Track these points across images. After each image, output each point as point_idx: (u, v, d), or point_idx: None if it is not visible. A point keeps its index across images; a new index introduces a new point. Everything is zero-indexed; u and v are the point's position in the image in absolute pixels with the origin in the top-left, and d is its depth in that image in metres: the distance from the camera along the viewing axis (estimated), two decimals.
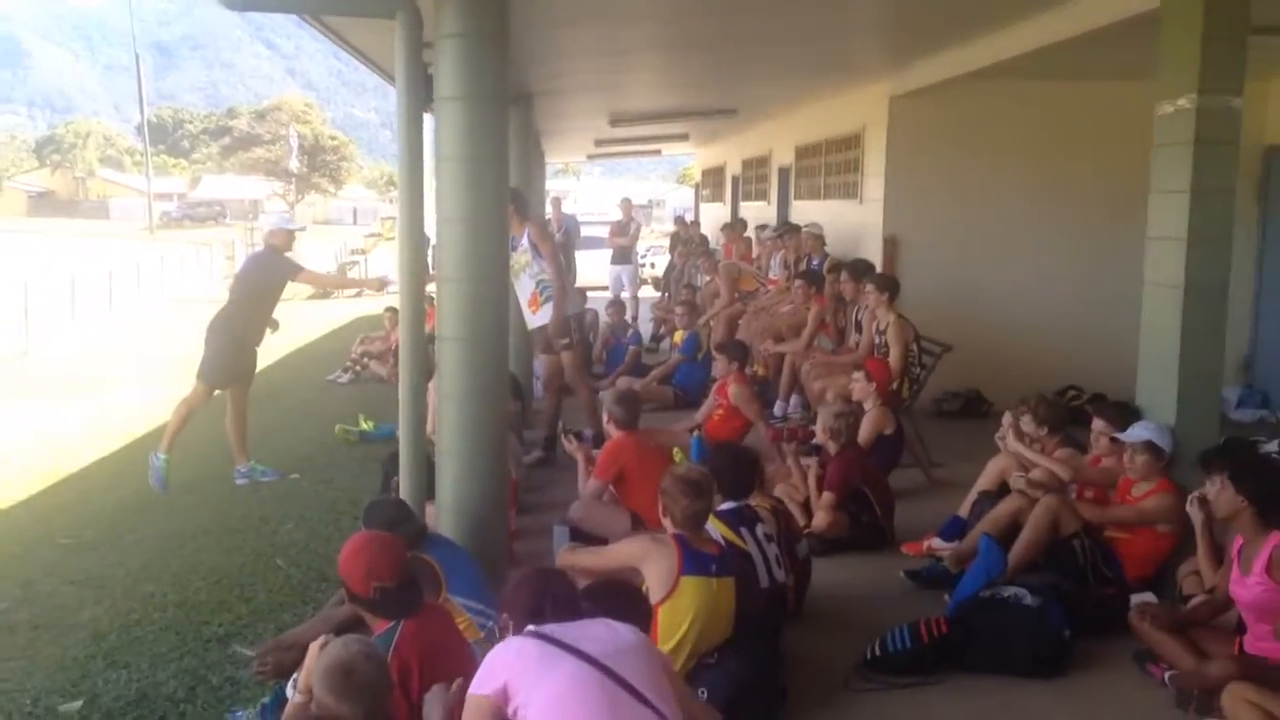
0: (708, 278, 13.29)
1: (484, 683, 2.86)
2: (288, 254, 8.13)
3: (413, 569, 3.65)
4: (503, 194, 5.02)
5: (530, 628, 2.93)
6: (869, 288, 8.21)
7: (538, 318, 7.67)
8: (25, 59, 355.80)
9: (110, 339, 17.79)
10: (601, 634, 2.94)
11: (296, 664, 3.44)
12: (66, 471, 8.51)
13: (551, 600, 3.03)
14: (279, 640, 4.16)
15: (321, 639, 3.05)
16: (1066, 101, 9.59)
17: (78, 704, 4.38)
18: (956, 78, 8.56)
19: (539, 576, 3.20)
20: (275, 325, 8.23)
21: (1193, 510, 4.69)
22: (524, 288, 7.54)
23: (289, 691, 3.05)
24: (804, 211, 13.04)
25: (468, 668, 3.40)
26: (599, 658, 2.81)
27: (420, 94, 4.96)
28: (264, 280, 7.98)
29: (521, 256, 7.48)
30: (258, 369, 8.09)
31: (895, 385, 7.52)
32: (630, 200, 17.89)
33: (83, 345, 16.80)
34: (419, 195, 5.04)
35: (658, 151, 22.93)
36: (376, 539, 3.67)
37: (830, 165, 12.24)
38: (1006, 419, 6.09)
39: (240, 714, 4.09)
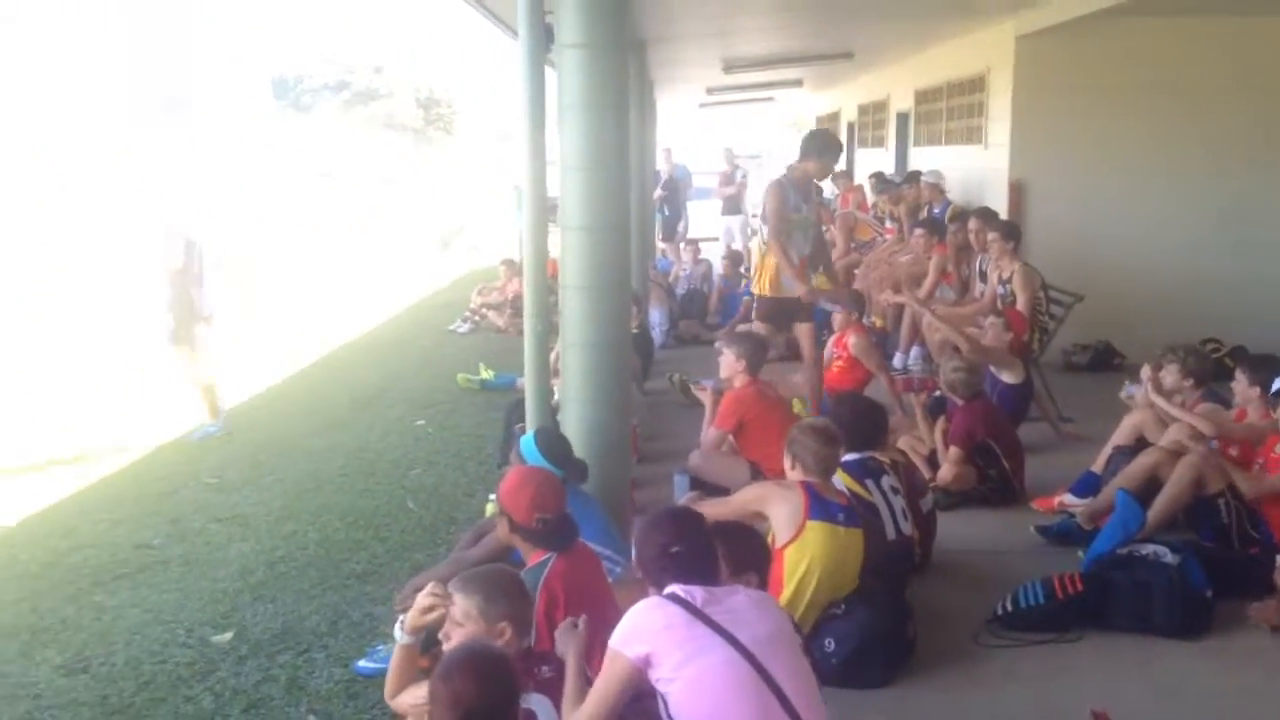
0: (824, 227, 13.09)
1: (628, 642, 2.85)
2: None
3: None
4: (623, 141, 5.00)
5: (678, 590, 2.90)
6: (992, 235, 7.99)
7: (796, 284, 6.88)
8: None
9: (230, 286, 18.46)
10: (746, 611, 2.90)
11: None
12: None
13: (686, 544, 3.04)
14: (415, 581, 4.29)
15: (430, 584, 3.11)
16: (1214, 39, 9.11)
17: (229, 635, 4.61)
18: (1089, 15, 8.19)
19: (672, 518, 3.20)
20: None
21: None
22: (796, 246, 6.81)
23: (396, 633, 3.12)
24: (923, 158, 12.73)
25: (607, 610, 3.48)
26: (749, 646, 2.79)
27: (542, 43, 4.98)
28: None
29: (809, 215, 6.92)
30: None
31: (1025, 336, 7.33)
32: (732, 149, 17.64)
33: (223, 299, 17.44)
34: (541, 145, 5.07)
35: (771, 99, 22.56)
36: (540, 473, 3.81)
37: (952, 109, 11.90)
38: (1146, 371, 5.87)
39: (380, 648, 4.24)
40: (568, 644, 3.04)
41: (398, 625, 3.10)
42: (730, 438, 5.95)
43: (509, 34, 8.36)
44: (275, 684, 4.16)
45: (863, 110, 17.32)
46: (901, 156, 14.36)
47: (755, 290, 7.25)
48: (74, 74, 39.32)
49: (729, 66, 13.04)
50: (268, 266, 18.83)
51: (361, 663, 4.24)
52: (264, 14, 58.73)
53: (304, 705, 4.00)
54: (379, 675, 4.07)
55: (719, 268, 12.59)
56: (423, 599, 3.05)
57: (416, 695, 2.98)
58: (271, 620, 4.74)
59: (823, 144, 6.84)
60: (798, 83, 17.79)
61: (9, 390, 9.87)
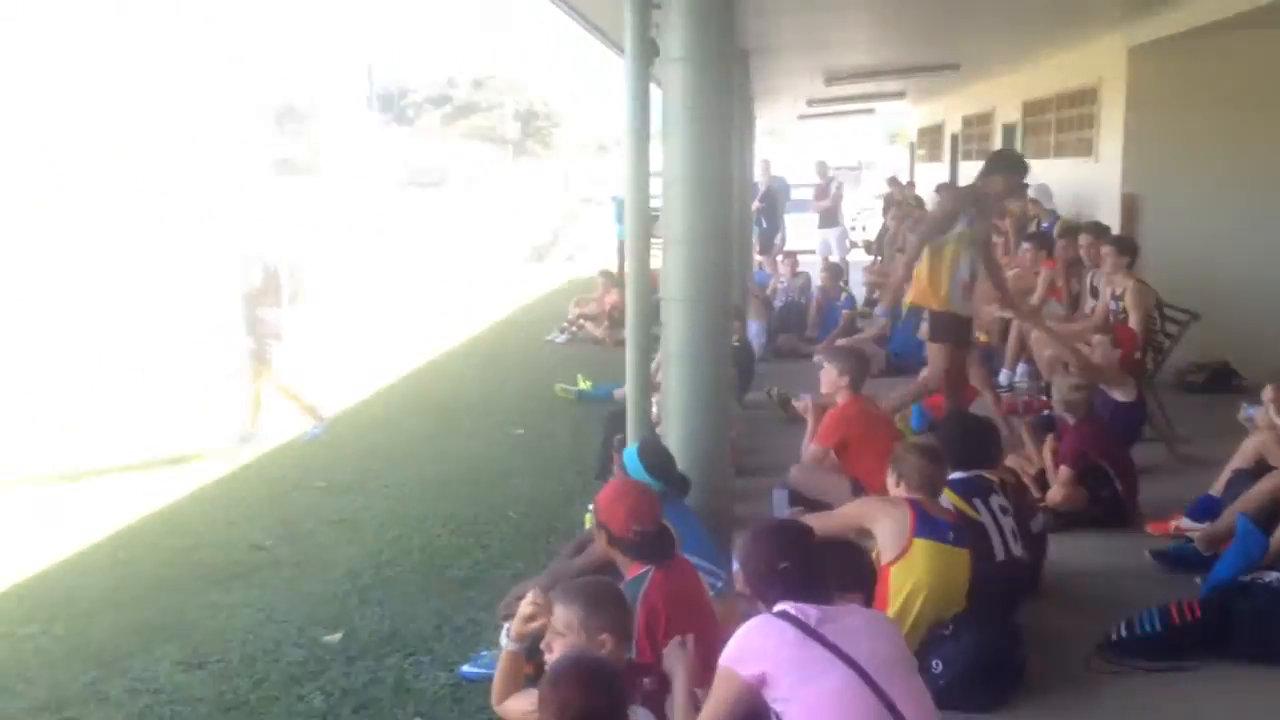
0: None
1: (741, 662, 2.81)
2: None
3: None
4: (726, 154, 5.00)
5: (790, 608, 2.85)
6: (1105, 250, 7.78)
7: (968, 303, 6.76)
8: None
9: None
10: (862, 631, 2.85)
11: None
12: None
13: (796, 559, 3.01)
14: (517, 590, 4.34)
15: (531, 593, 3.14)
16: None
17: (338, 635, 4.72)
18: (1203, 27, 7.94)
19: (780, 533, 3.17)
20: None
21: None
22: (964, 265, 6.60)
23: (503, 640, 3.16)
24: (1031, 171, 12.45)
25: (709, 624, 3.47)
26: (867, 668, 2.74)
27: (647, 57, 5.02)
28: None
29: (974, 232, 6.65)
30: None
31: (1138, 354, 7.12)
32: (825, 163, 17.47)
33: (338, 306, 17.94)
34: (644, 158, 5.11)
35: (871, 110, 22.34)
36: (637, 485, 3.83)
37: (1061, 122, 11.64)
38: (1268, 392, 5.65)
39: (484, 654, 4.30)
40: (675, 663, 3.01)
41: (504, 632, 3.14)
42: (831, 453, 5.88)
43: (614, 49, 8.46)
44: (383, 686, 4.25)
45: (967, 122, 17.05)
46: None
47: (919, 303, 7.04)
48: (74, 73, 40.24)
49: (831, 78, 12.95)
50: (369, 274, 19.33)
51: (466, 667, 4.30)
52: (368, 26, 60.18)
53: (410, 708, 4.07)
54: (483, 680, 4.13)
55: (817, 280, 12.48)
56: (525, 607, 3.09)
57: (523, 702, 3.02)
58: (379, 623, 4.85)
59: (1010, 161, 6.79)
60: (900, 94, 17.61)
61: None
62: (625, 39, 5.03)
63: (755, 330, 10.73)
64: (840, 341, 9.47)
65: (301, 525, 6.31)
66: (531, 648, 3.18)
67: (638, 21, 4.92)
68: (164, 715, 4.12)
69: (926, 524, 3.94)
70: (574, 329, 13.31)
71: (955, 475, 4.58)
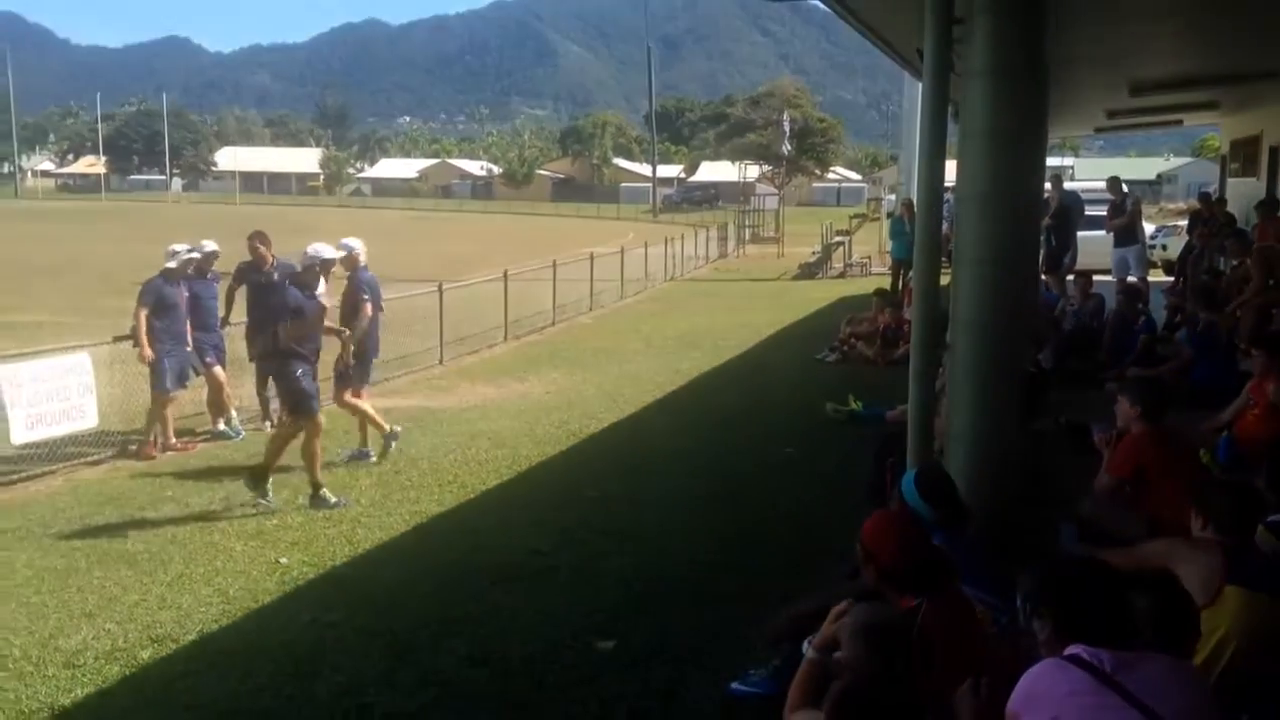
0: (1235, 261, 11.84)
1: (1029, 709, 2.69)
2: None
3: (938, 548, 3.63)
4: (1027, 170, 4.79)
5: (1082, 653, 2.69)
6: None
7: None
8: (553, 57, 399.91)
9: (621, 315, 19.52)
10: (1162, 680, 2.64)
11: (809, 630, 3.56)
12: (589, 432, 9.45)
13: (1091, 599, 2.81)
14: (792, 609, 4.30)
15: (844, 603, 3.11)
16: None
17: (611, 643, 4.85)
18: None
19: (1076, 569, 2.97)
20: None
21: None
22: None
23: (805, 649, 3.15)
24: None
25: (987, 659, 3.30)
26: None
27: (945, 72, 4.86)
28: None
29: None
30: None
31: None
32: (1119, 178, 16.29)
33: (600, 320, 18.59)
34: (939, 175, 4.95)
35: (1179, 122, 20.72)
36: (904, 515, 3.72)
37: None
38: None
39: (752, 674, 4.29)
40: (964, 708, 2.89)
41: (806, 643, 3.16)
42: (1126, 487, 5.47)
43: (903, 65, 8.29)
44: (653, 696, 4.33)
45: None
46: None
47: None
48: None
49: (1137, 89, 12.11)
50: (644, 288, 19.89)
51: (736, 684, 4.30)
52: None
53: None
54: (752, 698, 4.14)
55: (1113, 303, 11.69)
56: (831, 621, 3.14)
57: (811, 718, 2.99)
58: (650, 633, 4.94)
59: None
60: (1212, 105, 16.24)
61: None
62: (924, 54, 4.90)
63: (1043, 354, 10.19)
64: (1135, 371, 8.82)
65: (576, 533, 6.53)
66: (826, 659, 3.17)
67: (938, 36, 4.78)
68: (450, 708, 4.36)
69: (1240, 568, 3.58)
70: (845, 348, 13.12)
71: (1276, 517, 4.15)
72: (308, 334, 7.51)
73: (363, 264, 8.48)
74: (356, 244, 8.49)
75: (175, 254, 8.97)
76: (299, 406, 7.38)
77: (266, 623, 5.32)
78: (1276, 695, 3.53)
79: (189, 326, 9.12)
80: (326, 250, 7.75)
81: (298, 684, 4.59)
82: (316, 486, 7.30)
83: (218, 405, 9.49)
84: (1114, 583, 2.89)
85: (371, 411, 8.54)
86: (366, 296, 8.30)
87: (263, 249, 9.53)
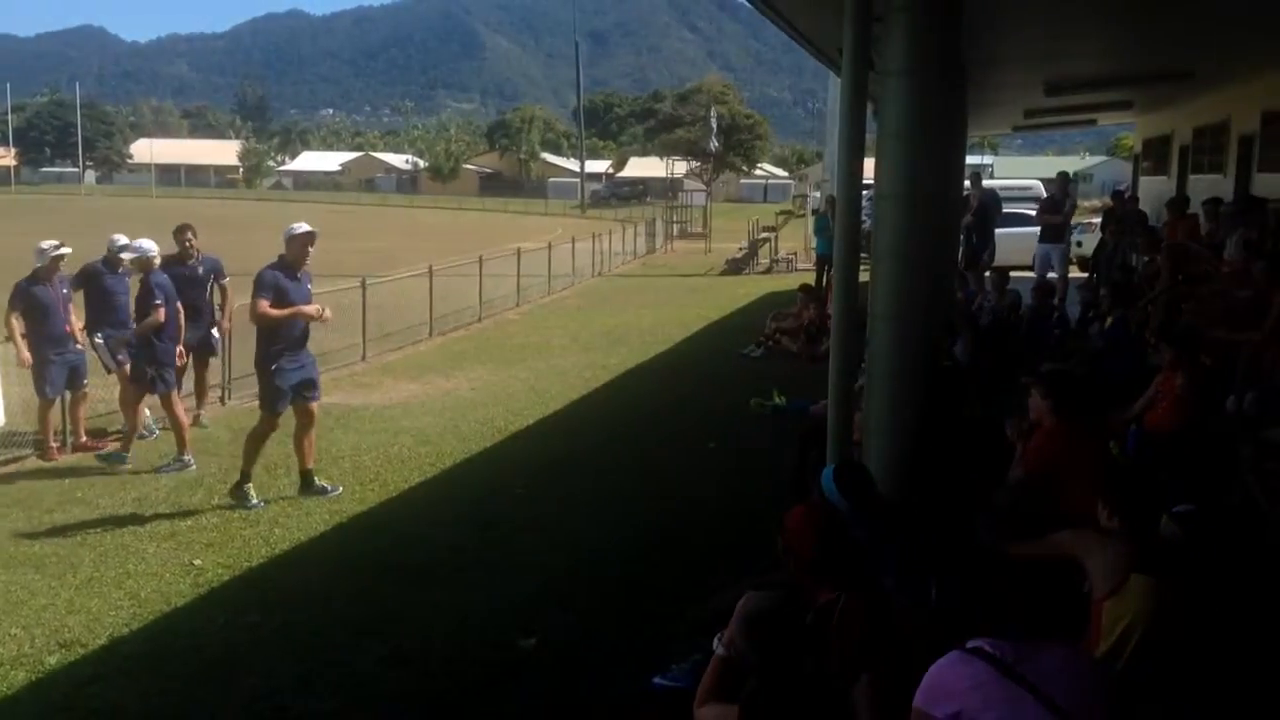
0: (1146, 258, 12.17)
1: (934, 703, 2.70)
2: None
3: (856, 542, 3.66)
4: (942, 169, 4.87)
5: (985, 645, 2.72)
6: None
7: None
8: (480, 50, 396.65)
9: (548, 311, 19.46)
10: (1062, 669, 2.68)
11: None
12: (515, 428, 9.40)
13: (995, 593, 2.85)
14: (713, 603, 4.31)
15: (746, 596, 3.11)
16: None
17: (534, 640, 4.82)
18: None
19: (982, 563, 3.02)
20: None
21: None
22: None
23: (715, 645, 3.15)
24: (1268, 185, 11.57)
25: (902, 652, 3.34)
26: (1067, 708, 2.58)
27: (864, 71, 4.91)
28: None
29: None
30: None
31: None
32: (1068, 174, 16.57)
33: (527, 316, 18.51)
34: (858, 174, 5.00)
35: (1094, 121, 21.26)
36: (826, 509, 3.72)
37: None
38: None
39: (675, 668, 4.30)
40: (861, 703, 2.92)
41: (715, 639, 3.15)
42: (1039, 479, 5.59)
43: (825, 62, 8.37)
44: (575, 692, 4.31)
45: (1199, 133, 16.00)
46: (1243, 182, 13.12)
47: None
48: None
49: (1052, 88, 12.37)
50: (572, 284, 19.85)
51: (658, 678, 4.31)
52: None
53: (602, 717, 4.11)
54: (674, 692, 4.14)
55: (1028, 298, 11.94)
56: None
57: (717, 713, 2.99)
58: (572, 629, 4.93)
59: None
60: (1126, 104, 16.68)
61: None
62: (843, 52, 4.94)
63: (960, 348, 10.36)
64: (1049, 366, 9.01)
65: (500, 530, 6.49)
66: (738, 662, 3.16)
67: (857, 34, 4.82)
68: (369, 709, 4.30)
69: (1146, 557, 3.67)
70: (770, 343, 13.22)
71: (1183, 507, 4.28)
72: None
73: (157, 266, 8.38)
74: (150, 246, 8.43)
75: (43, 252, 8.60)
76: (263, 403, 7.25)
77: (179, 626, 5.20)
78: (1177, 680, 3.63)
79: (123, 320, 8.85)
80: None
81: (211, 688, 4.49)
82: (245, 477, 7.18)
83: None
84: (1016, 576, 2.94)
85: (185, 422, 8.39)
86: (159, 301, 8.15)
87: (191, 241, 9.34)
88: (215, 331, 9.62)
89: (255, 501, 7.10)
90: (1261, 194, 11.20)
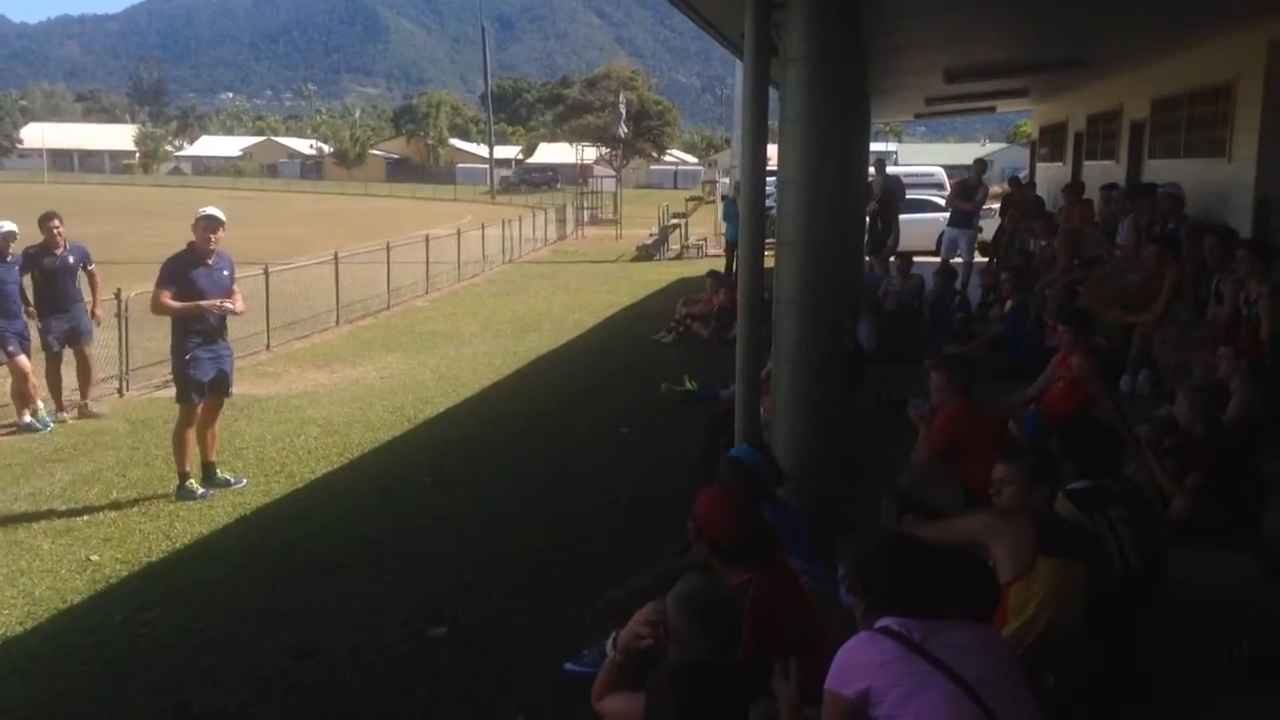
0: (1043, 242, 12.54)
1: (844, 683, 2.75)
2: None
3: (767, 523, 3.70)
4: (843, 155, 4.95)
5: (892, 624, 2.78)
6: (1240, 254, 7.43)
7: None
8: (384, 34, 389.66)
9: (458, 298, 19.28)
10: (968, 646, 2.75)
11: (640, 607, 3.57)
12: (424, 416, 9.31)
13: (903, 573, 2.92)
14: (624, 587, 4.33)
15: (650, 607, 3.10)
16: None
17: (443, 629, 4.79)
18: None
19: (890, 546, 3.08)
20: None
21: None
22: None
23: (608, 648, 3.14)
24: (1159, 171, 11.99)
25: (810, 631, 3.40)
26: (973, 683, 2.64)
27: (766, 57, 4.96)
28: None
29: None
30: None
31: (1269, 363, 6.77)
32: (984, 162, 16.88)
33: (436, 304, 18.31)
34: (761, 159, 5.06)
35: (992, 109, 21.77)
36: (739, 490, 3.75)
37: (1193, 119, 11.16)
38: None
39: (585, 653, 4.31)
40: (780, 690, 2.96)
41: (610, 640, 3.13)
42: (941, 460, 5.74)
43: (730, 49, 8.42)
44: (485, 680, 4.30)
45: (1092, 120, 16.50)
46: (1134, 169, 13.59)
47: None
48: None
49: (951, 76, 12.64)
50: (481, 273, 19.69)
51: (569, 665, 4.31)
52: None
53: (513, 703, 4.10)
54: (585, 678, 4.14)
55: (931, 283, 12.21)
56: (637, 626, 3.06)
57: (621, 702, 3.00)
58: (482, 617, 4.90)
59: None
60: (1023, 92, 17.12)
61: None
62: (745, 38, 4.98)
63: (864, 333, 10.57)
64: (951, 349, 9.25)
65: (409, 519, 6.43)
66: (641, 661, 3.15)
67: (757, 20, 4.87)
68: (275, 702, 4.23)
69: (1050, 541, 3.79)
70: (681, 329, 13.30)
71: (1077, 485, 4.43)
72: None
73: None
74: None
75: None
76: (179, 394, 7.03)
77: (76, 624, 5.04)
78: (1078, 654, 3.77)
79: (14, 310, 8.82)
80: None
81: (110, 686, 4.37)
82: (182, 478, 7.00)
83: (22, 396, 8.93)
84: (922, 558, 3.00)
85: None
86: None
87: (57, 230, 9.09)
88: (87, 318, 9.48)
89: (202, 492, 6.97)
90: (1151, 179, 11.60)
